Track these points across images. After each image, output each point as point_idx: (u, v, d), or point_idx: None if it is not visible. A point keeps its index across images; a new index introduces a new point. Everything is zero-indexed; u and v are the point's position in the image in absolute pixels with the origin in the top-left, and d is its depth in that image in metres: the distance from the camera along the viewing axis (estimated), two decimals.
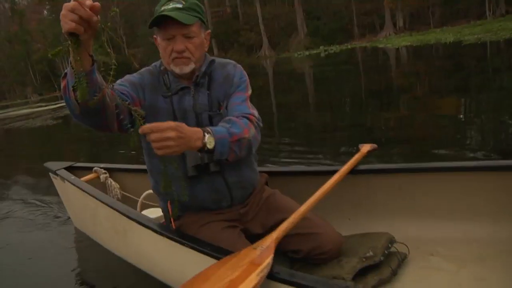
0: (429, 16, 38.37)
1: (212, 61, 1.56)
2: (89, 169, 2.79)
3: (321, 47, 34.83)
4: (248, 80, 1.58)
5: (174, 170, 1.37)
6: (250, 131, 1.39)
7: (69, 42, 0.98)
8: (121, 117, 1.26)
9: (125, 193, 2.67)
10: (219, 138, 1.28)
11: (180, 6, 1.36)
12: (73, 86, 1.08)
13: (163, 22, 1.37)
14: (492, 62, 10.70)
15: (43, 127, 13.73)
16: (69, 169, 2.73)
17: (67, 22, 0.95)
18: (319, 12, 42.66)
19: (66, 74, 1.12)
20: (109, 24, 1.05)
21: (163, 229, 1.64)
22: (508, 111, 4.87)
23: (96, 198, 2.15)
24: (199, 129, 1.24)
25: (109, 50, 1.10)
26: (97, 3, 0.96)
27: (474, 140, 4.14)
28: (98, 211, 2.24)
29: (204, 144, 1.23)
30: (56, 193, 2.99)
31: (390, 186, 1.89)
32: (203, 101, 1.50)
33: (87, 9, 0.95)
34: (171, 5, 1.36)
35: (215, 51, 45.24)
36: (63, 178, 2.57)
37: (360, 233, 1.77)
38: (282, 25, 43.64)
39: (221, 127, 1.33)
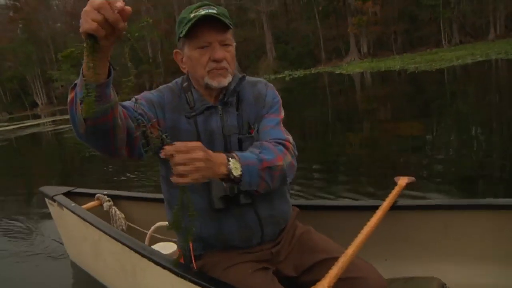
0: (391, 43, 40.05)
1: (243, 78, 1.35)
2: (91, 196, 2.49)
3: (286, 72, 35.83)
4: (281, 101, 1.41)
5: (197, 201, 1.22)
6: (285, 159, 1.21)
7: (85, 45, 0.84)
8: (134, 141, 1.10)
9: (131, 224, 2.41)
10: (247, 164, 1.09)
11: (214, 11, 1.19)
12: (81, 99, 0.92)
13: (197, 28, 1.19)
14: (413, 88, 12.59)
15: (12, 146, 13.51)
16: (68, 195, 2.45)
17: (88, 21, 0.81)
18: (288, 37, 44.02)
19: (75, 85, 0.98)
20: (136, 34, 0.93)
21: (182, 269, 1.39)
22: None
23: (100, 230, 1.88)
24: (221, 153, 1.07)
25: (130, 64, 0.95)
26: (128, 8, 0.82)
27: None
28: (101, 245, 1.97)
29: (229, 171, 1.05)
30: (45, 218, 2.80)
31: (434, 224, 1.68)
32: (232, 122, 1.32)
33: (116, 12, 0.81)
34: (203, 11, 1.18)
35: None
36: (61, 205, 2.31)
37: (402, 276, 1.60)
38: (253, 48, 44.77)
39: (250, 153, 1.16)
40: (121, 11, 0.81)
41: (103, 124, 0.97)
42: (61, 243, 2.78)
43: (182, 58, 1.30)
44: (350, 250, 1.29)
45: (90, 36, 0.83)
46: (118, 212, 2.41)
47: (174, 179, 0.93)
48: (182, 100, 1.32)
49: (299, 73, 33.78)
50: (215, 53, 1.22)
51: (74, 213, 2.16)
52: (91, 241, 2.10)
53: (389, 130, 6.43)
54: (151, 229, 2.09)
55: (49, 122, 24.74)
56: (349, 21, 39.57)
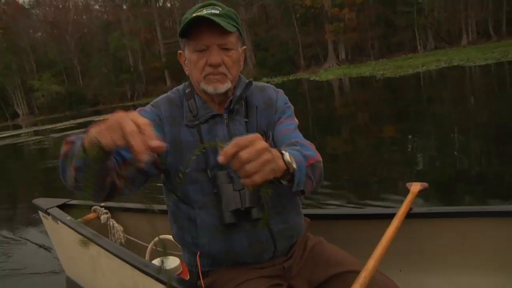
0: (369, 48, 40.79)
1: (249, 84, 1.26)
2: (87, 208, 2.38)
3: (264, 78, 36.20)
4: (293, 107, 1.33)
5: (205, 216, 1.17)
6: (321, 169, 1.15)
7: (92, 151, 0.80)
8: (127, 183, 1.04)
9: (129, 237, 2.30)
10: (297, 161, 0.99)
11: (216, 12, 1.11)
12: (77, 166, 0.89)
13: (196, 30, 1.11)
14: (378, 94, 13.48)
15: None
16: (63, 207, 2.32)
17: (106, 137, 0.75)
18: (267, 44, 44.54)
19: (72, 141, 0.94)
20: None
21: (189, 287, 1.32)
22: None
23: (99, 245, 1.78)
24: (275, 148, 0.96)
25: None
26: (163, 146, 0.74)
27: None
28: (99, 260, 1.87)
29: (288, 164, 0.94)
30: (39, 232, 2.81)
31: (451, 233, 1.59)
32: (240, 131, 1.21)
33: (144, 146, 0.73)
34: (205, 11, 1.11)
35: (168, 82, 46.08)
36: (55, 218, 2.19)
37: None
38: None
39: (292, 150, 1.04)
40: (154, 149, 0.73)
41: (97, 186, 0.93)
42: (56, 258, 2.65)
43: (185, 60, 1.20)
44: (371, 264, 1.17)
45: (100, 142, 0.77)
46: (116, 224, 2.31)
47: (245, 182, 0.81)
48: (183, 109, 1.22)
49: (278, 80, 34.18)
50: (211, 57, 1.13)
51: (69, 227, 2.04)
52: (88, 257, 1.99)
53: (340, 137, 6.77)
54: (152, 242, 1.99)
55: (31, 132, 24.65)
56: (326, 28, 40.19)
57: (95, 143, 0.79)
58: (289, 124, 1.26)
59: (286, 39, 42.53)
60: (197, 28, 1.10)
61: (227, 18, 1.12)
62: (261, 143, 0.82)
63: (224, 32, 1.11)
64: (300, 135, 1.23)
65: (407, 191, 1.73)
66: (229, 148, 0.79)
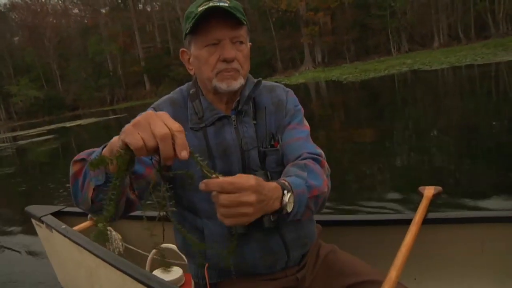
0: (345, 51, 41.49)
1: (259, 83, 1.17)
2: (83, 216, 2.25)
3: None
4: (303, 110, 1.26)
5: (213, 226, 1.10)
6: (328, 182, 1.11)
7: (119, 155, 0.71)
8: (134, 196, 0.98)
9: (128, 246, 2.22)
10: (298, 194, 0.96)
11: (226, 4, 1.02)
12: (96, 185, 0.84)
13: (205, 24, 1.03)
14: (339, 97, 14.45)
15: None
16: (57, 215, 2.23)
17: (135, 136, 0.69)
18: None
19: (83, 159, 0.89)
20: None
21: None
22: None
23: (96, 255, 1.68)
24: (276, 185, 0.91)
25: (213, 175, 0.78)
26: (186, 155, 0.69)
27: None
28: (98, 272, 1.78)
29: (284, 207, 0.91)
30: (31, 240, 2.74)
31: (469, 239, 1.52)
32: (249, 134, 1.14)
33: (173, 152, 0.69)
34: (212, 4, 1.01)
35: (147, 86, 46.21)
36: (50, 227, 2.09)
37: None
38: None
39: (297, 177, 1.00)
40: (179, 156, 0.69)
41: (119, 200, 0.88)
42: (50, 268, 2.57)
43: (189, 59, 1.13)
44: (393, 274, 1.12)
45: (128, 147, 0.70)
46: (114, 232, 2.22)
47: (219, 216, 0.79)
48: (188, 111, 1.15)
49: None
50: (225, 51, 1.04)
51: (65, 236, 1.93)
52: (85, 267, 1.88)
53: None
54: (153, 251, 1.89)
55: (9, 137, 24.62)
56: (302, 32, 40.78)
57: (122, 147, 0.70)
58: (300, 132, 1.18)
59: (263, 42, 42.93)
60: (207, 21, 1.02)
61: (237, 11, 1.03)
62: (249, 197, 0.78)
63: (236, 25, 1.04)
64: (312, 144, 1.16)
65: (419, 196, 1.65)
66: (213, 185, 0.76)
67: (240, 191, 0.78)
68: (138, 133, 0.69)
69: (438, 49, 34.61)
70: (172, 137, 0.68)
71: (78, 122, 27.62)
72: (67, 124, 27.01)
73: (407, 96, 11.65)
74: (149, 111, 0.73)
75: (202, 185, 0.76)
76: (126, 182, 0.87)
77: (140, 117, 0.71)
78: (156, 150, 0.69)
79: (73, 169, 0.91)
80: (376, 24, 39.85)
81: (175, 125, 0.70)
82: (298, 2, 39.41)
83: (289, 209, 0.92)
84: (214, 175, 0.76)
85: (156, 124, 0.69)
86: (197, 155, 0.74)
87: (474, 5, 36.03)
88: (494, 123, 6.07)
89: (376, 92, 14.58)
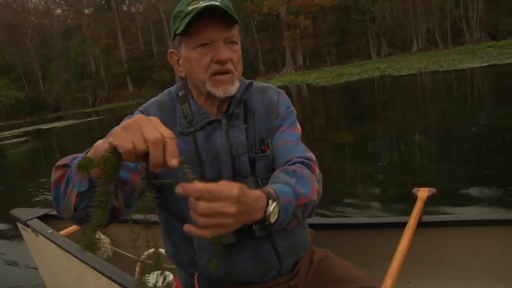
0: (326, 55, 42.05)
1: (250, 85, 1.14)
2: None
3: None
4: (295, 112, 1.22)
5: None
6: (319, 189, 1.07)
7: (106, 158, 0.67)
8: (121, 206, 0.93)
9: (117, 250, 2.16)
10: (284, 203, 0.91)
11: (217, 3, 0.97)
12: (79, 192, 0.80)
13: (198, 23, 0.98)
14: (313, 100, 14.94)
15: None
16: (43, 218, 2.16)
17: (125, 139, 0.65)
18: None
19: (66, 165, 0.85)
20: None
21: None
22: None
23: (83, 261, 1.66)
24: (261, 194, 0.85)
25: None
26: (177, 163, 0.65)
27: None
28: (85, 278, 1.75)
29: (267, 217, 0.85)
30: (17, 242, 2.72)
31: (465, 243, 1.52)
32: (240, 139, 1.11)
33: (163, 159, 0.65)
34: (203, 3, 0.97)
35: (130, 87, 46.26)
36: (36, 231, 2.05)
37: None
38: None
39: (285, 185, 0.96)
40: (169, 165, 0.66)
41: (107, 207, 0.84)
42: (37, 269, 2.51)
43: (179, 60, 1.08)
44: (388, 282, 1.11)
45: (116, 151, 0.67)
46: (102, 236, 2.17)
47: (187, 228, 0.73)
48: (177, 114, 1.10)
49: None
50: (219, 52, 0.99)
51: (51, 241, 1.89)
52: (72, 273, 1.85)
53: None
54: (142, 256, 1.84)
55: None
56: (284, 35, 41.21)
57: (109, 150, 0.67)
58: (291, 135, 1.14)
59: (245, 45, 43.30)
60: (198, 21, 0.97)
61: (229, 9, 0.98)
62: (229, 208, 0.72)
63: (230, 24, 1.00)
64: (303, 148, 1.12)
65: (414, 198, 1.61)
66: (191, 190, 0.69)
67: (221, 201, 0.71)
68: (128, 136, 0.65)
69: (416, 53, 35.22)
70: (164, 143, 0.65)
71: (56, 124, 27.45)
72: (44, 126, 26.94)
73: (363, 100, 12.24)
74: (140, 115, 0.70)
75: (179, 189, 0.68)
76: (110, 189, 0.82)
77: (130, 120, 0.67)
78: (145, 155, 0.66)
79: (55, 175, 0.86)
80: (356, 28, 40.49)
81: (167, 131, 0.67)
82: (280, 5, 39.84)
83: (272, 219, 0.86)
84: (191, 174, 0.70)
85: (147, 128, 0.66)
86: (187, 166, 0.69)
87: (450, 12, 36.78)
88: (427, 124, 6.69)
89: (337, 97, 15.17)
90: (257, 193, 0.83)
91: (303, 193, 0.96)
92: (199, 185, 0.68)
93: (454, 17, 36.94)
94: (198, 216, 0.71)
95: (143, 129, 0.65)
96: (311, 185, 1.01)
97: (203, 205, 0.70)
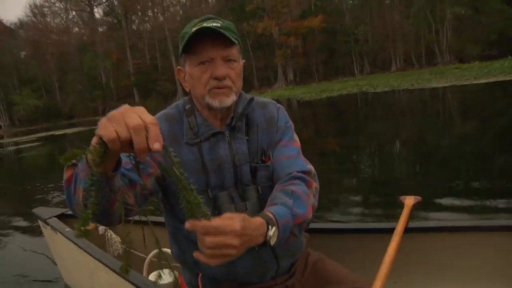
0: (314, 72, 45.88)
1: (251, 100, 1.20)
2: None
3: None
4: (293, 126, 1.27)
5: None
6: (313, 206, 1.12)
7: (93, 148, 0.70)
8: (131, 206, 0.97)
9: (127, 248, 1.72)
10: (283, 224, 0.97)
11: (218, 24, 1.06)
12: (85, 187, 0.80)
13: (199, 43, 1.07)
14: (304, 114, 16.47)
15: None
16: (61, 217, 2.32)
17: (109, 129, 0.67)
18: None
19: (75, 165, 0.87)
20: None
21: None
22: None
23: (96, 258, 1.77)
24: (262, 221, 0.92)
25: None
26: (159, 148, 0.68)
27: None
28: (98, 274, 1.85)
29: (267, 241, 0.92)
30: (37, 237, 2.93)
31: (446, 246, 1.63)
32: (242, 150, 1.17)
33: (146, 144, 0.67)
34: (205, 25, 1.05)
35: (136, 98, 50.71)
36: (55, 229, 2.21)
37: None
38: None
39: (283, 206, 1.02)
40: (152, 149, 0.68)
41: (104, 209, 0.87)
42: (55, 263, 2.76)
43: (185, 76, 1.17)
44: (378, 285, 1.13)
45: (102, 141, 0.69)
46: (113, 235, 2.29)
47: (197, 255, 0.80)
48: (184, 126, 1.18)
49: None
50: (216, 70, 1.08)
51: (68, 239, 2.06)
52: (86, 268, 2.01)
53: None
54: (150, 254, 1.98)
55: (11, 142, 25.87)
56: (276, 53, 45.18)
57: (97, 142, 0.70)
58: (291, 149, 1.21)
59: None
60: (200, 41, 1.07)
61: (228, 31, 1.08)
62: (233, 240, 0.79)
63: (228, 44, 1.09)
64: (303, 161, 1.19)
65: (401, 205, 1.67)
66: (199, 227, 0.76)
67: (225, 234, 0.78)
68: (112, 126, 0.68)
69: (394, 72, 38.63)
70: (146, 129, 0.67)
71: (66, 130, 28.90)
72: (56, 133, 28.43)
73: (337, 113, 13.77)
74: (125, 105, 0.72)
75: (188, 225, 0.76)
76: (117, 185, 0.87)
77: (115, 111, 0.70)
78: (129, 143, 0.68)
79: (66, 175, 0.91)
80: (342, 49, 44.29)
81: (149, 118, 0.69)
82: (273, 27, 43.75)
83: (272, 242, 0.93)
84: (183, 177, 0.73)
85: (129, 116, 0.68)
86: (171, 149, 0.72)
87: (424, 36, 40.50)
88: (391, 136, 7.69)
89: (316, 110, 16.88)
90: (258, 221, 0.91)
91: (299, 214, 1.04)
92: (205, 223, 0.76)
93: (428, 41, 40.62)
94: (205, 248, 0.78)
95: (126, 118, 0.68)
96: (307, 204, 1.09)
97: (209, 239, 0.77)
